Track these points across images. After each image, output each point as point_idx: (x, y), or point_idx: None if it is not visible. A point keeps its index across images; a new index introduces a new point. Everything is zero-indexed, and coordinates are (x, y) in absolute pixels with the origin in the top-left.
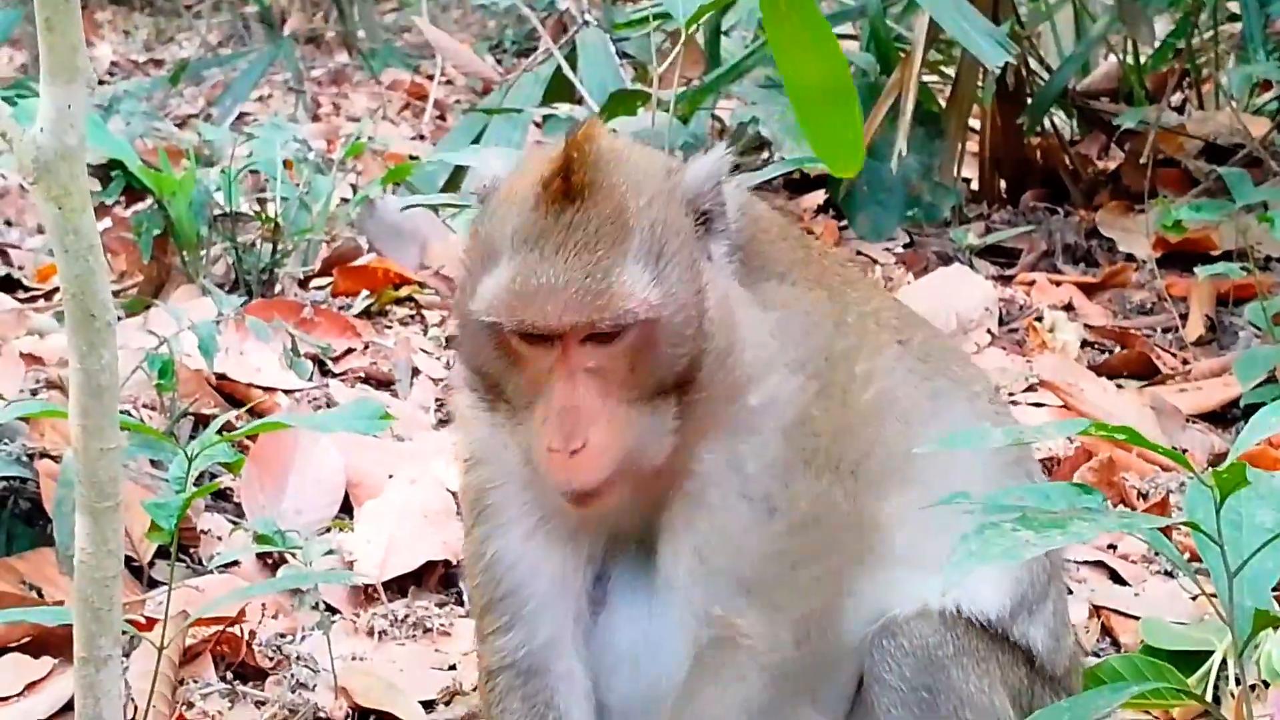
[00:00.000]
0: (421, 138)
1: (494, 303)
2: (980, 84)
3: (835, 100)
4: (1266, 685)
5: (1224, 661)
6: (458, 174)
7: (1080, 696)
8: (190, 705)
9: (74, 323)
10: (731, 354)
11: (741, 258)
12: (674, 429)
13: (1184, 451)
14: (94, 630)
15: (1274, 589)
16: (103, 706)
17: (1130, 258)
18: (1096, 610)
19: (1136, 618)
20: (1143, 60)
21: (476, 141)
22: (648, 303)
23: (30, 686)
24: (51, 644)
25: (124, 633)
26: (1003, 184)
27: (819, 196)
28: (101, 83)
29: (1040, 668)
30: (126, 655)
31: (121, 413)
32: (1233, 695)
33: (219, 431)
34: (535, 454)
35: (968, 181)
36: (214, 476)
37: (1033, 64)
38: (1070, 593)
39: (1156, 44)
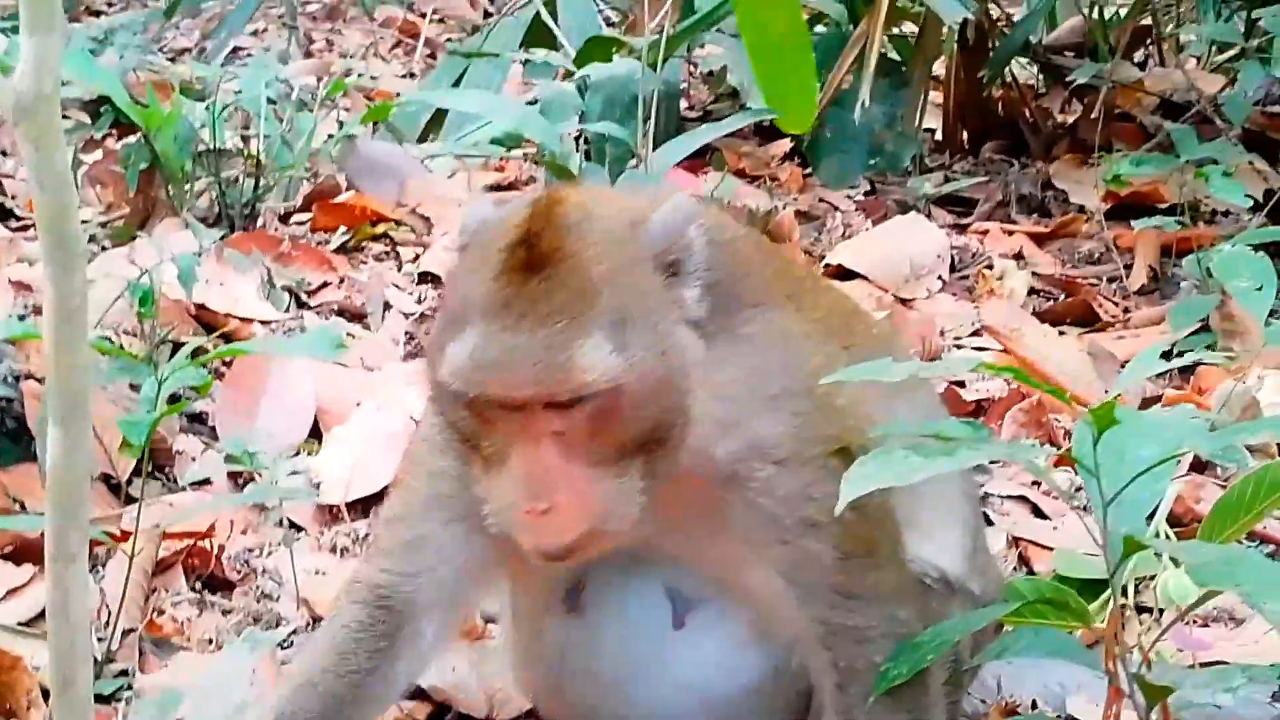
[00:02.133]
0: (412, 75)
1: (457, 372)
2: (944, 36)
3: (791, 54)
4: (1161, 612)
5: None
6: (439, 116)
7: (968, 615)
8: (161, 612)
9: (48, 250)
10: (708, 404)
11: (718, 290)
12: (643, 489)
13: (1117, 396)
14: (64, 529)
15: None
16: (70, 598)
17: (1082, 209)
18: (1015, 541)
19: (1053, 549)
20: (1108, 15)
21: (457, 84)
22: (608, 374)
23: (11, 592)
24: (32, 553)
25: (100, 543)
26: (965, 135)
27: (786, 144)
28: (99, 13)
29: (979, 601)
30: (103, 565)
31: (103, 339)
32: (1140, 622)
33: (191, 356)
34: (502, 511)
35: (931, 132)
36: (191, 400)
37: (999, 16)
38: (991, 524)
39: None
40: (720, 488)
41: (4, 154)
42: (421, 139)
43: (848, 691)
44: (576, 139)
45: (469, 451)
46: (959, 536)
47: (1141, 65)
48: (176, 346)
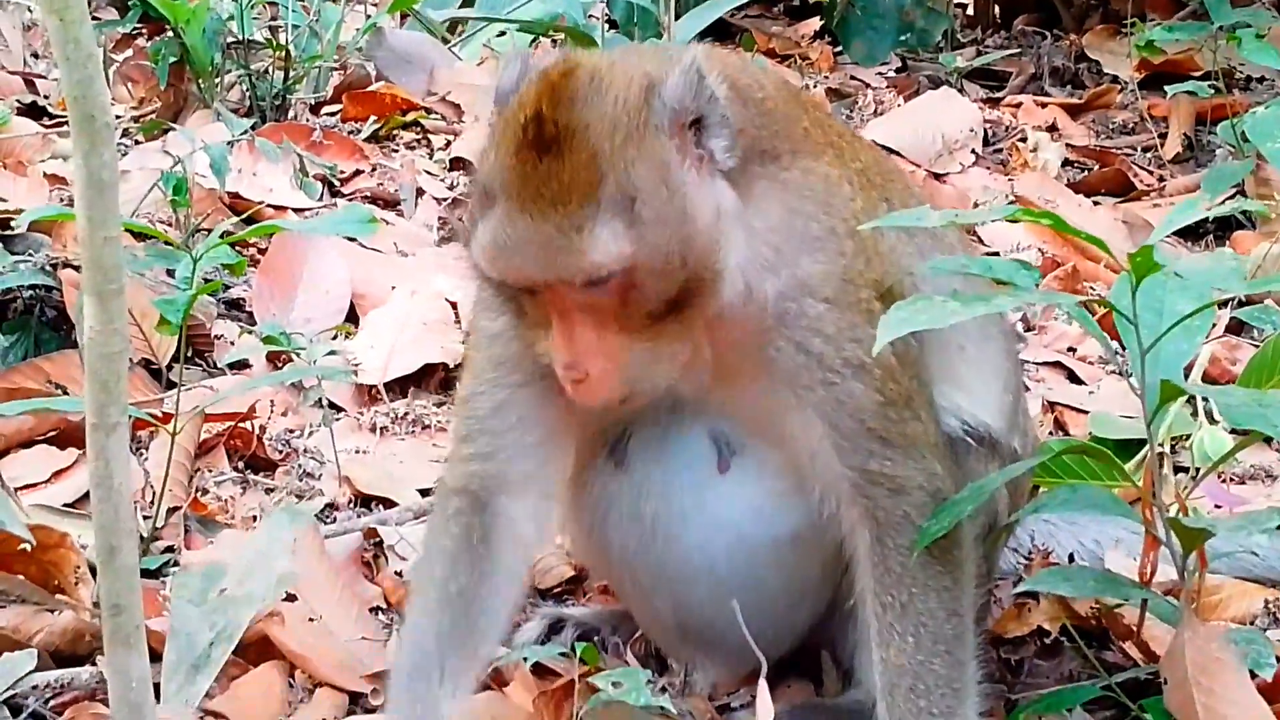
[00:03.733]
0: None
1: (480, 254)
2: None
3: None
4: (1199, 471)
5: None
6: (468, 3)
7: (1004, 469)
8: (205, 491)
9: (76, 125)
10: (752, 248)
11: (751, 139)
12: (678, 349)
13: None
14: (103, 400)
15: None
16: (112, 468)
17: (1115, 79)
18: (1051, 406)
19: (1089, 413)
20: None
21: None
22: (620, 256)
23: (57, 474)
24: (75, 437)
25: (144, 424)
26: (997, 8)
27: (815, 23)
28: None
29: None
30: (146, 447)
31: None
32: (1177, 483)
33: (221, 237)
34: (554, 365)
35: (963, 6)
36: (227, 288)
37: None
38: (1027, 390)
39: None
40: (768, 330)
41: (36, 56)
42: (450, 29)
43: (884, 543)
44: (609, 23)
45: (518, 314)
46: (1000, 393)
47: None
48: (211, 235)
